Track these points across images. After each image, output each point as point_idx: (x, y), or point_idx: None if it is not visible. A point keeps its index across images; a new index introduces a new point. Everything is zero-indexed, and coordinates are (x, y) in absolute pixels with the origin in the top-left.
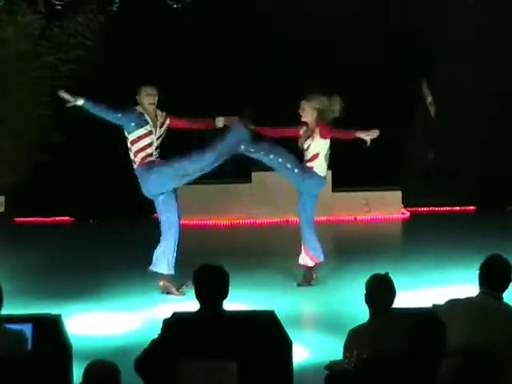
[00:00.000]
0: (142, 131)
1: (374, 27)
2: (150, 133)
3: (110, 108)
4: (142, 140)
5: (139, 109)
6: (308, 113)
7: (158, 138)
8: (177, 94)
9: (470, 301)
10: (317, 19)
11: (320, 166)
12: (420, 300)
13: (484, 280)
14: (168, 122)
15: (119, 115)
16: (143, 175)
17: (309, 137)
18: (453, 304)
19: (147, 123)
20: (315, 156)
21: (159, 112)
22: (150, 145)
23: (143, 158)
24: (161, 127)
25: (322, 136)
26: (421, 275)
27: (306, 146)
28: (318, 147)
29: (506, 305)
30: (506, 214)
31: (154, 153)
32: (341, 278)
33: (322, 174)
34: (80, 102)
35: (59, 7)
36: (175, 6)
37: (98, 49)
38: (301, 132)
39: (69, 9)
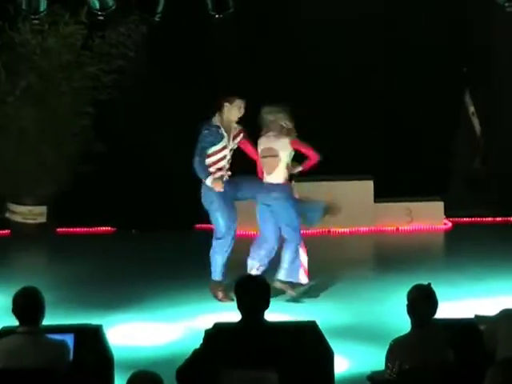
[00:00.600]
0: (217, 147)
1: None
2: (224, 147)
3: (203, 154)
4: (216, 154)
5: (215, 121)
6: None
7: (230, 150)
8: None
9: None
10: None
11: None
12: (462, 311)
13: None
14: (241, 136)
15: (207, 151)
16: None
17: None
18: (506, 314)
19: (222, 137)
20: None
21: (234, 124)
22: (223, 158)
23: (213, 173)
24: (233, 139)
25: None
26: (463, 286)
27: None
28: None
29: None
30: None
31: (227, 166)
32: (382, 288)
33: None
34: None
35: (101, 18)
36: (217, 16)
37: (140, 59)
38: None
39: (111, 19)
